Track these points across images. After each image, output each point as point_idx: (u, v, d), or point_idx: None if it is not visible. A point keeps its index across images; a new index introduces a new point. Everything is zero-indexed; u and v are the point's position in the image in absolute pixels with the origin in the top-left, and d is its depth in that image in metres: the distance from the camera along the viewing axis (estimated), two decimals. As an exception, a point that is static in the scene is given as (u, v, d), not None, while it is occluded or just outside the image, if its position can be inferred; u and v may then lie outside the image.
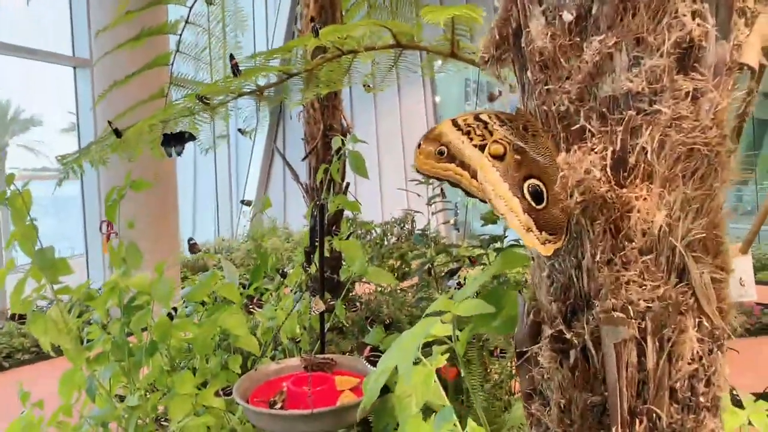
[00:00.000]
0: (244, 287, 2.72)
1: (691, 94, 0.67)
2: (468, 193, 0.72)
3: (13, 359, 5.20)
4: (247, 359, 2.49)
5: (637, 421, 0.69)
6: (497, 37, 0.76)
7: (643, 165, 0.69)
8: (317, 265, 2.44)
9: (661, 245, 0.70)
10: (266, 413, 1.86)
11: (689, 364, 0.70)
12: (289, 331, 2.43)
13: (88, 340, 2.30)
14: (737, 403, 1.54)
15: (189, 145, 3.06)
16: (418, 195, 3.69)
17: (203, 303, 2.73)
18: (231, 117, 3.15)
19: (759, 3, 0.68)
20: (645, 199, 0.68)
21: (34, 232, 2.03)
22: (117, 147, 2.35)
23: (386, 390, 1.44)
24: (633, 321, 0.69)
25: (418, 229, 3.52)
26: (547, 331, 0.73)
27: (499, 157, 0.71)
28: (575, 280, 0.74)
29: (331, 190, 3.19)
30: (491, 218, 2.50)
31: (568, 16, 0.70)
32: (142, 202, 5.32)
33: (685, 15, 0.65)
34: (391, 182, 9.12)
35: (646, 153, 0.68)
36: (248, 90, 2.92)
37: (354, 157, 2.85)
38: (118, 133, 2.30)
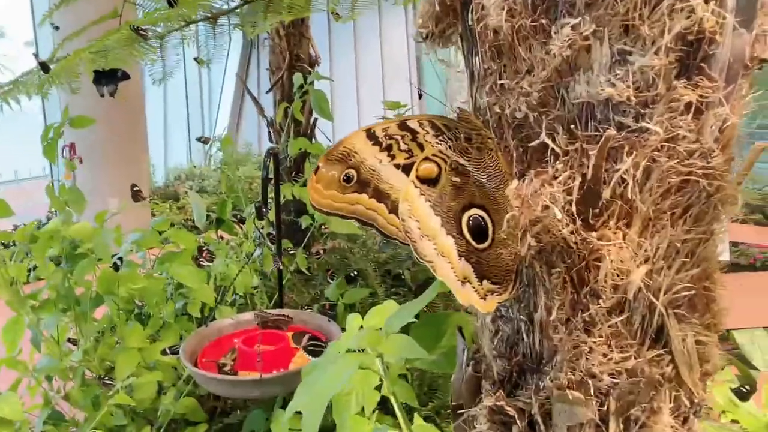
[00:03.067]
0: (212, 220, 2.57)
1: (694, 106, 0.49)
2: (384, 235, 0.54)
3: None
4: (205, 306, 2.36)
5: None
6: (437, 7, 0.55)
7: (620, 201, 0.51)
8: (273, 219, 2.26)
9: (637, 303, 0.53)
10: (214, 378, 1.76)
11: (660, 447, 0.55)
12: (242, 286, 2.28)
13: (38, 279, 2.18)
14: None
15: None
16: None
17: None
18: (193, 43, 2.89)
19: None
20: (620, 247, 0.51)
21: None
22: (44, 83, 2.08)
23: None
24: (593, 400, 0.53)
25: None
26: (487, 400, 0.58)
27: (430, 181, 0.53)
28: (524, 335, 0.58)
29: (291, 129, 2.96)
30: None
31: (532, -14, 0.50)
32: (108, 126, 5.06)
33: (695, -4, 0.45)
34: (369, 111, 8.79)
35: (626, 185, 0.50)
36: (199, 18, 2.63)
37: (317, 97, 2.62)
38: (45, 67, 2.03)
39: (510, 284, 0.54)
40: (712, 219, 0.52)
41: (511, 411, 0.55)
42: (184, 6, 1.98)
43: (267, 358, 1.76)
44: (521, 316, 0.57)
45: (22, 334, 1.91)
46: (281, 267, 2.24)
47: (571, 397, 0.52)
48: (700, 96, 0.48)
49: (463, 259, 0.52)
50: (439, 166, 0.53)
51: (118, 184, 5.63)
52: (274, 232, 2.36)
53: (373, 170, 0.52)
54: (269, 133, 3.36)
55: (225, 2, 2.79)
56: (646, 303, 0.53)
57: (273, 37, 3.57)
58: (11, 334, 1.96)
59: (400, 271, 3.05)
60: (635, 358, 0.53)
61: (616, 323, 0.53)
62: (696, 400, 0.59)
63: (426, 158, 0.53)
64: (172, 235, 2.34)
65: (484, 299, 0.53)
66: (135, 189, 2.24)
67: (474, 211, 0.54)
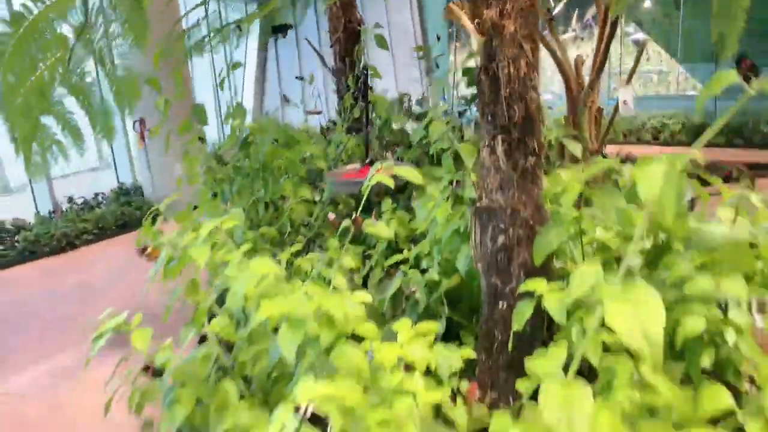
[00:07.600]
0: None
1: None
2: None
3: (81, 239, 6.53)
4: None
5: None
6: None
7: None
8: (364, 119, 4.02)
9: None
10: (346, 180, 3.51)
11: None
12: (350, 148, 4.18)
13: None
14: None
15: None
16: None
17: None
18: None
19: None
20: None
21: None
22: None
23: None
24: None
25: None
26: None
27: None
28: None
29: (354, 68, 4.75)
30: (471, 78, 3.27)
31: None
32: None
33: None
34: (401, 60, 10.94)
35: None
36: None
37: (377, 38, 4.32)
38: (240, 28, 3.69)
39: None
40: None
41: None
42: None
43: (360, 174, 3.52)
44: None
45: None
46: (370, 130, 4.00)
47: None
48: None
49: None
50: None
51: (180, 152, 7.12)
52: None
53: None
54: (331, 79, 5.08)
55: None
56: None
57: (331, 7, 5.18)
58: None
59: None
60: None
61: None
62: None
63: None
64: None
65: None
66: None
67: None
